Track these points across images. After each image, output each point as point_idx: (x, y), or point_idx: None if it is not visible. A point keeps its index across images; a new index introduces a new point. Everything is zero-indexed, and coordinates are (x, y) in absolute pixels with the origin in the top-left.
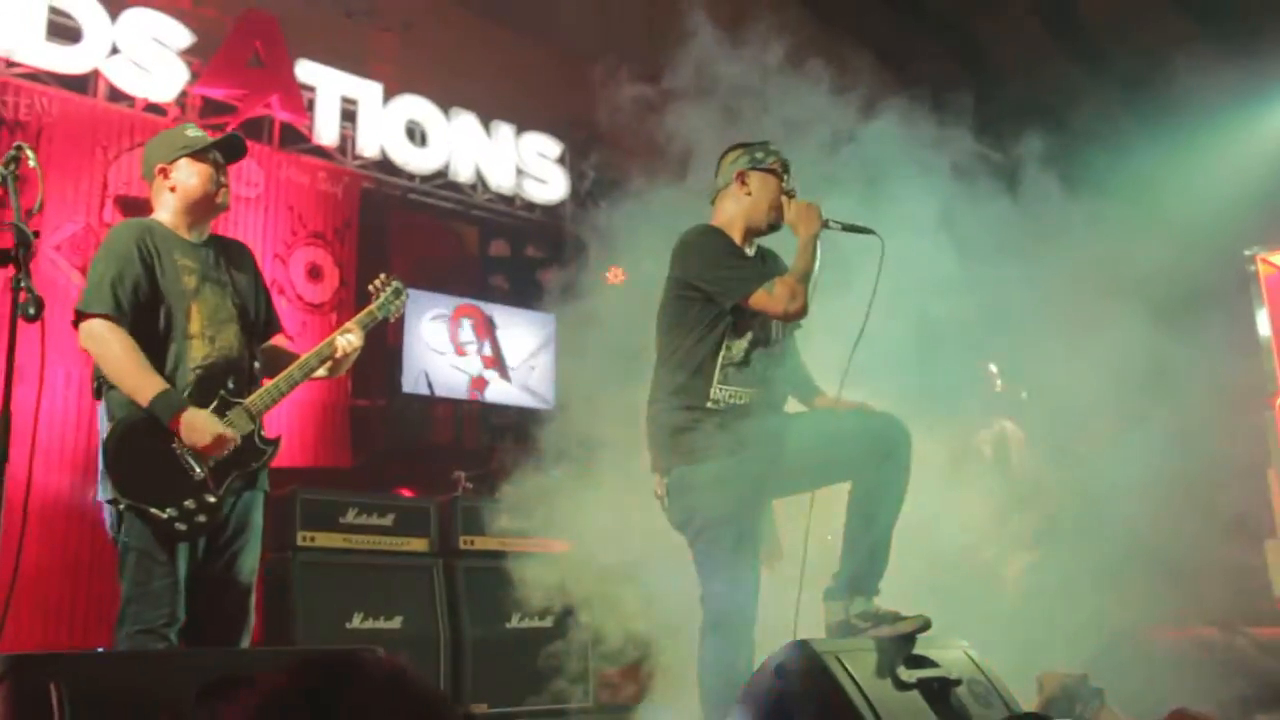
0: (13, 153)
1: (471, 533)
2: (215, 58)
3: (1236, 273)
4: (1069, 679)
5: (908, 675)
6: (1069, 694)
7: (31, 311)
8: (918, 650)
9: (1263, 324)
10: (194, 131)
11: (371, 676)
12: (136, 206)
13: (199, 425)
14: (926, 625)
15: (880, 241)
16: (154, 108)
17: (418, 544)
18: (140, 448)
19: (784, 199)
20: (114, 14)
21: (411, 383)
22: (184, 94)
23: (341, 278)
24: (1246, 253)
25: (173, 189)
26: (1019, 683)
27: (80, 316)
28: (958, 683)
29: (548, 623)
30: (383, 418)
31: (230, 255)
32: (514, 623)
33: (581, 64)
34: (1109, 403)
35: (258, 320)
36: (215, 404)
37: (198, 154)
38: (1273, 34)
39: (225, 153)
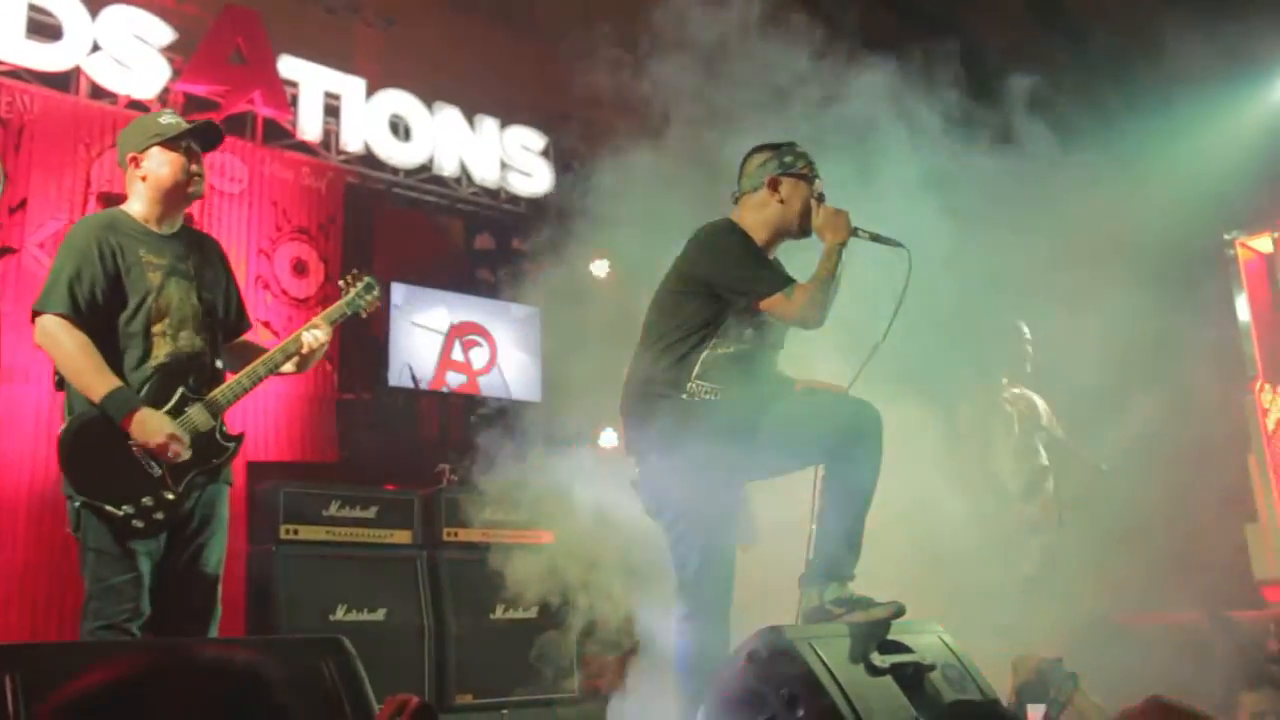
0: None
1: (455, 524)
2: (197, 54)
3: (1220, 253)
4: (1044, 663)
5: (881, 660)
6: (1043, 678)
7: None
8: (892, 635)
9: (1242, 309)
10: (168, 119)
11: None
12: (119, 203)
13: (151, 425)
14: (900, 611)
15: (909, 255)
16: (136, 104)
17: (401, 536)
18: (97, 444)
19: (813, 204)
20: (94, 11)
21: (396, 376)
22: (166, 91)
23: (327, 273)
24: (1226, 237)
25: (144, 178)
26: (999, 667)
27: (36, 314)
28: (931, 668)
29: (532, 613)
30: (368, 411)
31: (201, 249)
32: (498, 614)
33: (565, 55)
34: (1097, 380)
35: (226, 317)
36: (175, 400)
37: (170, 142)
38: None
39: (200, 141)
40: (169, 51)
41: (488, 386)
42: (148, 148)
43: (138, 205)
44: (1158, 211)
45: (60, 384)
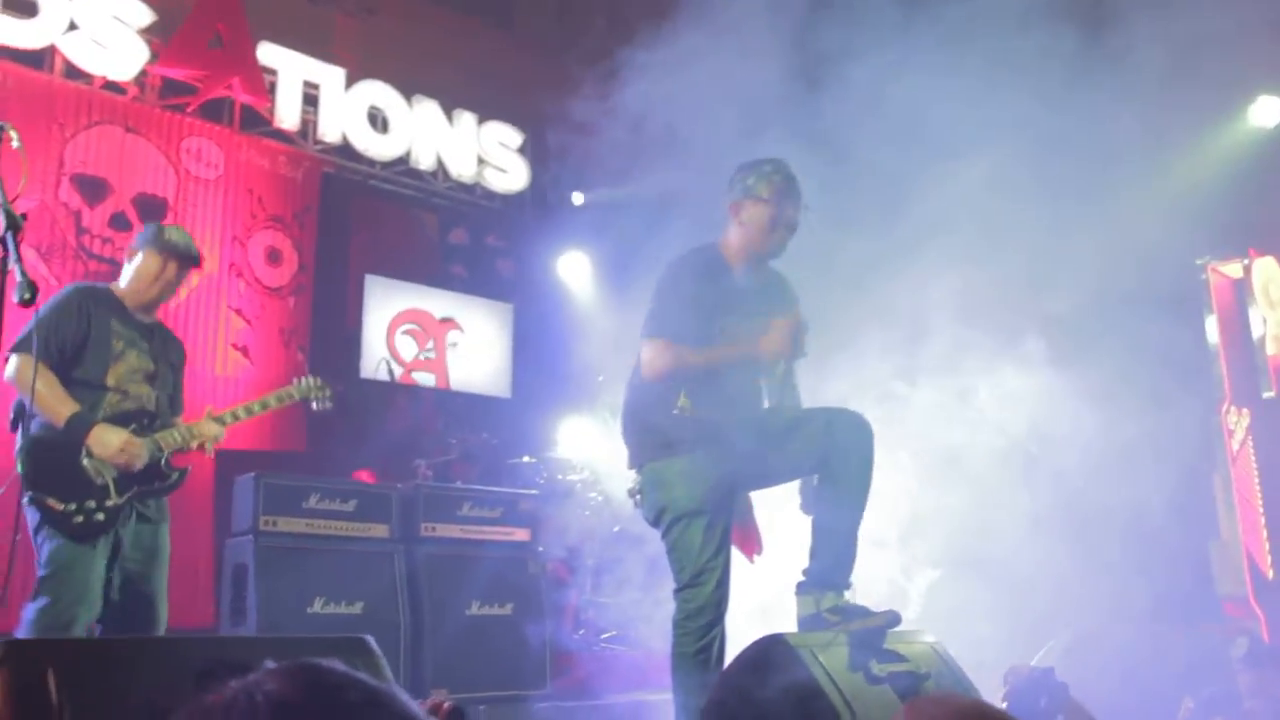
0: None
1: (433, 520)
2: (176, 37)
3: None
4: (1035, 672)
5: (879, 669)
6: (1035, 687)
7: (27, 296)
8: (886, 645)
9: (1212, 333)
10: (178, 237)
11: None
12: (93, 185)
13: (107, 438)
14: (896, 620)
15: None
16: (112, 85)
17: (379, 530)
18: (47, 454)
19: (777, 234)
20: None
21: (371, 369)
22: (144, 73)
23: (300, 262)
24: (1198, 261)
25: (135, 268)
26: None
27: (11, 352)
28: (926, 677)
29: (508, 610)
30: (340, 402)
31: (165, 344)
32: (474, 610)
33: (543, 52)
34: (1070, 400)
35: (171, 394)
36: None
37: (168, 254)
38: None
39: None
40: (147, 34)
41: (459, 382)
42: (150, 250)
43: (124, 285)
44: (1131, 235)
45: (13, 426)
